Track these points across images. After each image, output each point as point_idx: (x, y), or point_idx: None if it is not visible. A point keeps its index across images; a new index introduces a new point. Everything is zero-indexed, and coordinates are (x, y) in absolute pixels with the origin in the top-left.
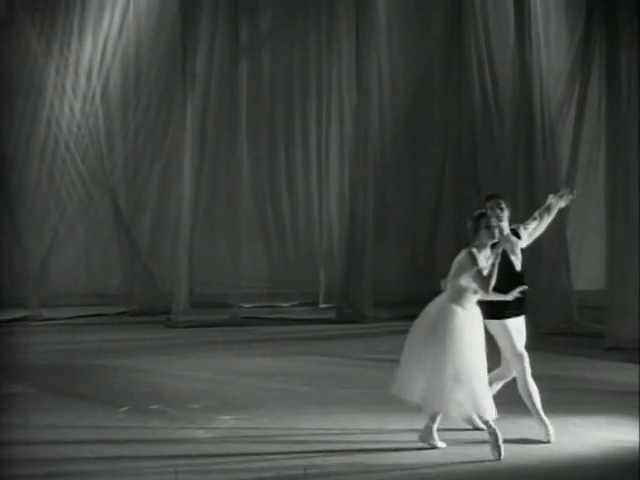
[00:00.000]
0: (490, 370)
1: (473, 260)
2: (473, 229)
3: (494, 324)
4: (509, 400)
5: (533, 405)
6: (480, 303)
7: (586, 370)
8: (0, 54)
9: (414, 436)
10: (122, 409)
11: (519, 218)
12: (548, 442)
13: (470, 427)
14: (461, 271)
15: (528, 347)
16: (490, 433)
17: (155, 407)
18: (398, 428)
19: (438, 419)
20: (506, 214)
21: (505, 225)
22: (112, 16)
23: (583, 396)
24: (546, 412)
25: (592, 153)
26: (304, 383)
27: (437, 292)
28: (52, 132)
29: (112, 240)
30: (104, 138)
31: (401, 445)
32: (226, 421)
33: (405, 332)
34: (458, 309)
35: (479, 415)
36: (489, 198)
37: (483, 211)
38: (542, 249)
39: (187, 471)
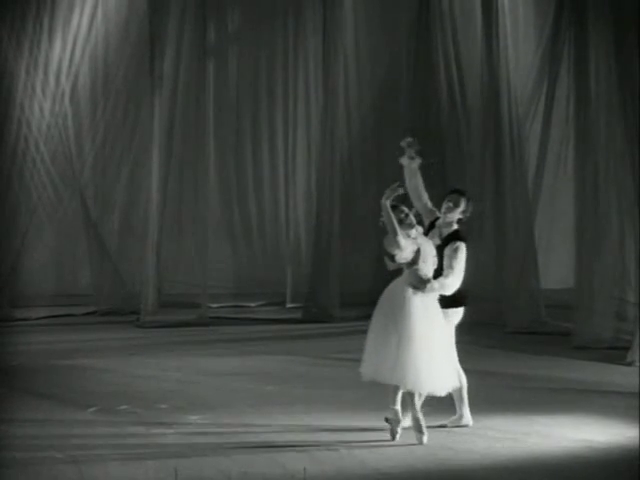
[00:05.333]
0: None
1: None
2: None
3: None
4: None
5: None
6: None
7: (554, 369)
8: None
9: (381, 435)
10: (91, 409)
11: (488, 216)
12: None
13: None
14: None
15: (493, 346)
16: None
17: (123, 407)
18: (365, 426)
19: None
20: (457, 210)
21: (451, 218)
22: (81, 16)
23: (551, 395)
24: (514, 411)
25: (560, 152)
26: (271, 383)
27: None
28: (22, 132)
29: (81, 241)
30: (73, 138)
31: (367, 444)
32: (193, 421)
33: None
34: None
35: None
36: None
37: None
38: (510, 248)
39: (155, 471)
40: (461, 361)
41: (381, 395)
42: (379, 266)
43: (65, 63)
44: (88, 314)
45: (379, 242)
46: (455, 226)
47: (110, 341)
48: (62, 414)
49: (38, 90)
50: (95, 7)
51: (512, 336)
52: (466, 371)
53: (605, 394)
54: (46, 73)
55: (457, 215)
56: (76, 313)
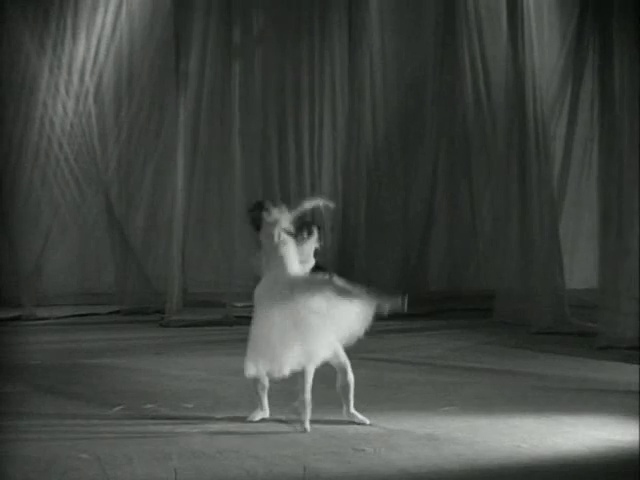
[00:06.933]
0: None
1: None
2: None
3: None
4: (499, 401)
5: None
6: None
7: (578, 369)
8: None
9: (407, 436)
10: (115, 408)
11: (513, 216)
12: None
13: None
14: None
15: (518, 346)
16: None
17: (149, 406)
18: (389, 427)
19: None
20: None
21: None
22: (105, 15)
23: (575, 395)
24: (538, 411)
25: (585, 153)
26: (295, 382)
27: (429, 292)
28: (45, 131)
29: (105, 239)
30: (97, 137)
31: (393, 444)
32: (219, 420)
33: (396, 331)
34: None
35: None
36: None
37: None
38: (535, 248)
39: (181, 470)
40: (487, 361)
41: (404, 396)
42: (404, 267)
43: (89, 62)
44: (112, 313)
45: (404, 243)
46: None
47: (134, 340)
48: (86, 413)
49: (62, 89)
50: (119, 6)
51: (537, 336)
52: (492, 371)
53: (629, 394)
54: (70, 72)
55: (313, 245)
56: (100, 312)
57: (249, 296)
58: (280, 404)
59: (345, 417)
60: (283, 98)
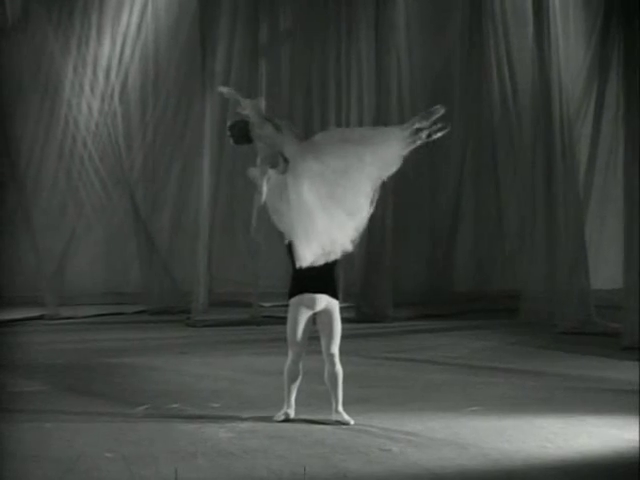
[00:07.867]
0: None
1: None
2: None
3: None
4: (530, 401)
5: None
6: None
7: (603, 369)
8: (16, 51)
9: (433, 436)
10: (141, 408)
11: (539, 217)
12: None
13: None
14: None
15: (544, 346)
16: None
17: (174, 406)
18: (415, 427)
19: None
20: None
21: None
22: (131, 14)
23: (600, 395)
24: (563, 411)
25: (610, 154)
26: (323, 382)
27: (455, 292)
28: (70, 131)
29: (131, 239)
30: (122, 137)
31: (419, 444)
32: (245, 420)
33: (424, 331)
34: None
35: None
36: None
37: None
38: (560, 248)
39: (207, 470)
40: (512, 361)
41: (429, 396)
42: (431, 266)
43: (114, 61)
44: (138, 313)
45: (431, 242)
46: None
47: (160, 340)
48: (111, 412)
49: (87, 88)
50: (145, 5)
51: (562, 336)
52: (517, 371)
53: None
54: (95, 72)
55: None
56: (125, 312)
57: (276, 296)
58: (305, 403)
59: (332, 416)
60: (310, 97)
